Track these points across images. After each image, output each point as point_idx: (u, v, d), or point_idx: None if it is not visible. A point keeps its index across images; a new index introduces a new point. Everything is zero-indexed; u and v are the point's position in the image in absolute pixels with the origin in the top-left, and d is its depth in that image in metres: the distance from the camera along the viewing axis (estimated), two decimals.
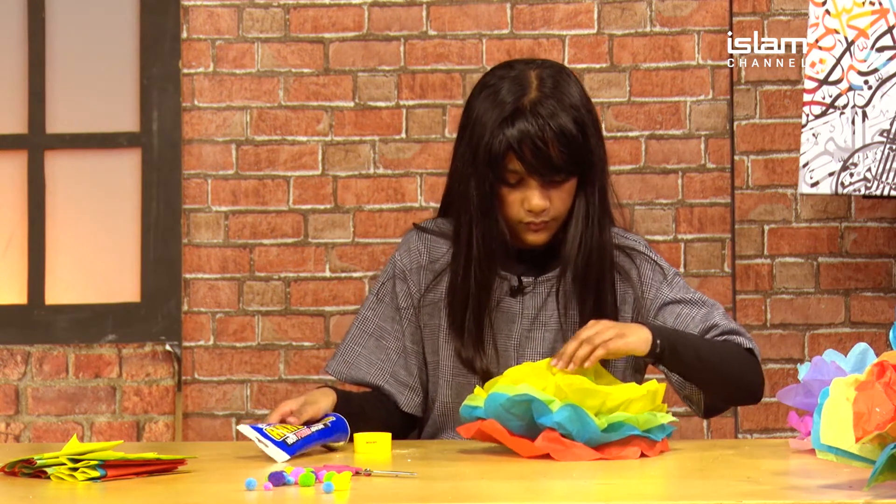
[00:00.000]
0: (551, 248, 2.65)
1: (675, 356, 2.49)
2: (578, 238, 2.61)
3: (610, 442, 2.33)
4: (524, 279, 2.65)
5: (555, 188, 2.58)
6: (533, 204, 2.56)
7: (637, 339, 2.45)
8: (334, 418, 2.41)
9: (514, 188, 2.58)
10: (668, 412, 2.42)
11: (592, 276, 2.61)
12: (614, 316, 2.63)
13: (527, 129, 2.53)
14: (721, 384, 2.59)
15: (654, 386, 2.39)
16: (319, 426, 2.37)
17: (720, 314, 2.65)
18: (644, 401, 2.37)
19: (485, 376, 2.58)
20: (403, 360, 2.66)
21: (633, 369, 2.67)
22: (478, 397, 2.39)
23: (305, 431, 2.33)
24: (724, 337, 2.62)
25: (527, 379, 2.36)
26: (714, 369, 2.56)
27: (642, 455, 2.34)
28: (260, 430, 2.29)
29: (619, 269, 2.66)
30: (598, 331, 2.43)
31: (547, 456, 2.31)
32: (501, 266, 2.64)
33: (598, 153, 2.60)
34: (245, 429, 2.29)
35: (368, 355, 2.67)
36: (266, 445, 2.28)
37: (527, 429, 2.34)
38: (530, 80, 2.58)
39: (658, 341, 2.47)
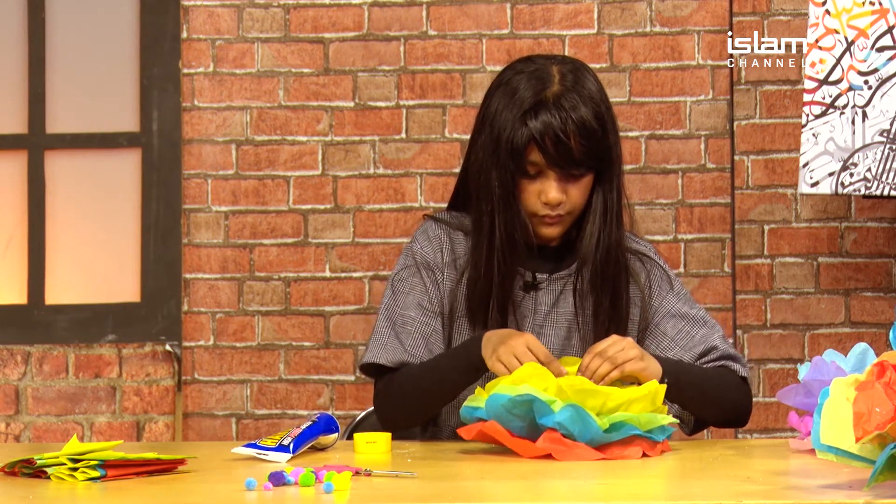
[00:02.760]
0: (566, 245, 2.66)
1: (678, 391, 2.52)
2: (596, 234, 2.63)
3: (611, 442, 2.33)
4: (538, 275, 2.65)
5: (572, 182, 2.60)
6: (550, 196, 2.58)
7: (652, 369, 2.47)
8: (319, 415, 2.40)
9: (532, 180, 2.60)
10: (669, 413, 2.42)
11: (610, 274, 2.63)
12: (628, 316, 2.64)
13: (550, 122, 2.55)
14: (714, 413, 2.63)
15: (655, 386, 2.39)
16: (308, 423, 2.37)
17: (719, 336, 2.68)
18: (644, 401, 2.37)
19: None
20: (433, 345, 2.64)
21: None
22: (478, 398, 2.39)
23: (297, 431, 2.33)
24: (721, 362, 2.66)
25: (528, 380, 2.36)
26: (711, 401, 2.60)
27: (644, 455, 2.34)
28: (254, 446, 2.30)
29: (631, 270, 2.67)
30: (623, 348, 2.44)
31: (548, 456, 2.31)
32: (519, 262, 2.65)
33: (616, 150, 2.63)
34: (240, 450, 2.30)
35: (398, 338, 2.64)
36: (266, 454, 2.28)
37: (528, 430, 2.34)
38: (552, 74, 2.60)
39: (666, 379, 2.49)
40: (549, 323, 2.66)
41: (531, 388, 2.33)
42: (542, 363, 2.41)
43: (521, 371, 2.38)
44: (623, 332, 2.61)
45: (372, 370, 2.66)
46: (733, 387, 2.64)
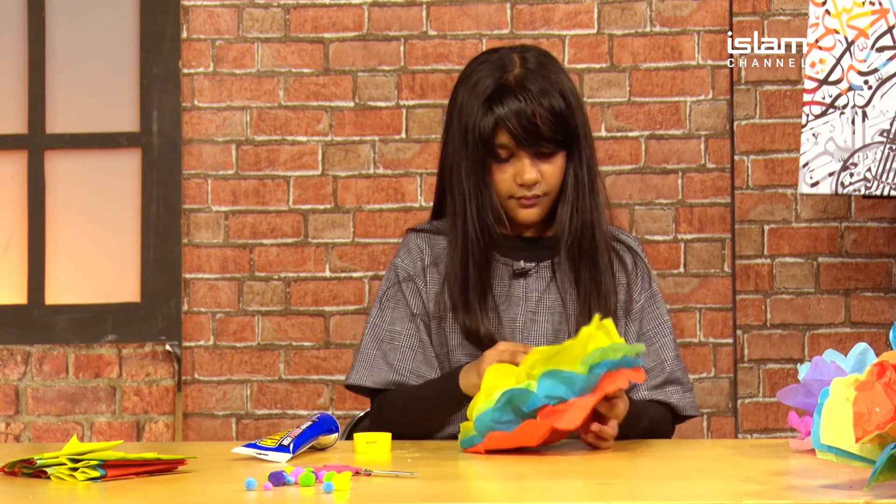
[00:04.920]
0: (553, 235, 2.68)
1: (630, 427, 2.51)
2: (569, 209, 2.66)
3: (600, 382, 2.32)
4: (527, 264, 2.67)
5: (545, 161, 2.63)
6: (525, 177, 2.62)
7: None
8: (319, 415, 2.40)
9: (504, 164, 2.64)
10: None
11: (586, 248, 2.65)
12: (613, 292, 2.66)
13: (513, 103, 2.61)
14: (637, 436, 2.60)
15: (606, 322, 2.37)
16: (308, 423, 2.37)
17: (672, 355, 2.70)
18: (600, 335, 2.35)
19: (488, 338, 2.60)
20: (422, 355, 2.66)
21: None
22: (467, 429, 2.38)
23: (297, 431, 2.33)
24: (664, 387, 2.67)
25: (496, 384, 2.36)
26: (643, 434, 2.59)
27: (632, 383, 2.34)
28: (254, 445, 2.30)
29: (617, 254, 2.70)
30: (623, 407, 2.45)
31: (546, 455, 2.31)
32: (504, 253, 2.67)
33: (584, 129, 2.67)
34: (240, 450, 2.30)
35: (385, 357, 2.67)
36: (266, 454, 2.28)
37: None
38: (513, 60, 2.66)
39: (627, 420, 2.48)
40: (541, 309, 2.67)
41: (502, 388, 2.33)
42: (521, 351, 2.41)
43: (487, 380, 2.38)
44: (605, 308, 2.63)
45: (357, 388, 2.69)
46: (664, 427, 2.67)
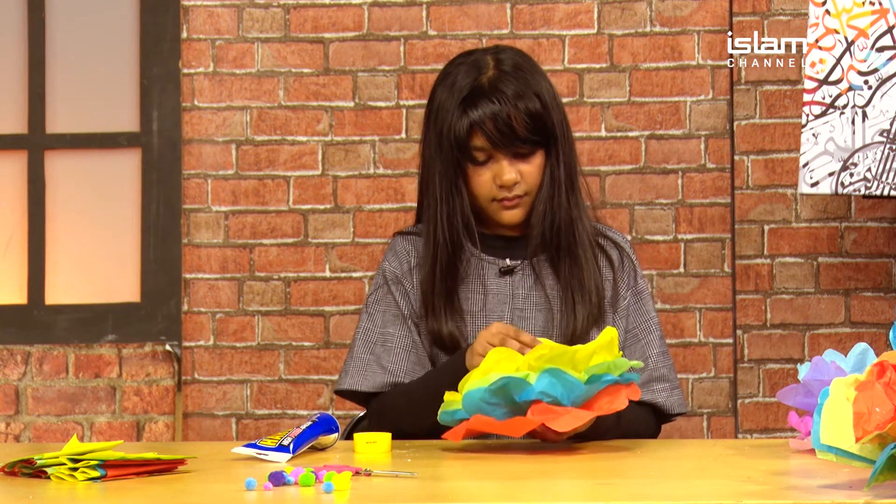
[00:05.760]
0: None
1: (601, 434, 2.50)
2: (542, 204, 2.65)
3: (597, 396, 2.32)
4: (512, 261, 2.67)
5: (523, 161, 2.64)
6: (504, 178, 2.62)
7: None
8: (319, 415, 2.40)
9: (483, 166, 2.64)
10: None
11: (565, 245, 2.65)
12: (595, 286, 2.65)
13: (487, 105, 2.61)
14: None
15: (612, 334, 2.37)
16: (308, 423, 2.37)
17: (657, 351, 2.69)
18: (605, 350, 2.36)
19: (451, 341, 2.61)
20: (415, 356, 2.66)
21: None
22: (452, 402, 2.38)
23: (297, 431, 2.33)
24: (650, 384, 2.66)
25: (496, 366, 2.36)
26: (616, 436, 2.57)
27: (630, 400, 2.33)
28: (254, 446, 2.30)
29: (604, 251, 2.69)
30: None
31: (545, 455, 2.31)
32: (490, 252, 2.67)
33: (561, 127, 2.67)
34: (240, 450, 2.30)
35: (378, 360, 2.67)
36: (266, 454, 2.28)
37: (512, 414, 2.33)
38: (487, 62, 2.66)
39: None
40: (528, 306, 2.68)
41: (501, 372, 2.33)
42: (512, 337, 2.41)
43: (488, 360, 2.38)
44: (590, 303, 2.63)
45: (350, 394, 2.68)
46: (646, 431, 2.65)
